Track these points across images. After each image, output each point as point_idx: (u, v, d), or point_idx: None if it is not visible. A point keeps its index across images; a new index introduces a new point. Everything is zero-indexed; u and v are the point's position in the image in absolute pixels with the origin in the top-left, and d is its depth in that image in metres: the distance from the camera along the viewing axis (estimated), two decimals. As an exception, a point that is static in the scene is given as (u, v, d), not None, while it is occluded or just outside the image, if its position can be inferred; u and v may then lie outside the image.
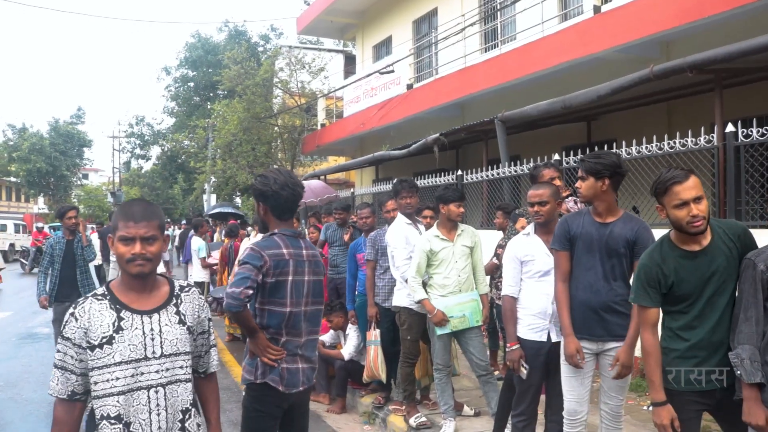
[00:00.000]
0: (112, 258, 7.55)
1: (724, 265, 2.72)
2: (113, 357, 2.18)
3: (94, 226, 17.66)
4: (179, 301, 2.35)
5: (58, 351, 2.22)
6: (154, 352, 2.24)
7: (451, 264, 4.81)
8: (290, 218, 3.27)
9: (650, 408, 3.14)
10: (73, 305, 2.24)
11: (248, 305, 3.05)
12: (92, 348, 2.18)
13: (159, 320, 2.27)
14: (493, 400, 4.74)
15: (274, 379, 3.09)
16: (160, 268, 3.11)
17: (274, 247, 3.08)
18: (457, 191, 4.90)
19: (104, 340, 2.18)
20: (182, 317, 2.33)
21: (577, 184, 3.55)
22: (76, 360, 2.20)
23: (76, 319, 2.20)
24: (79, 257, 6.84)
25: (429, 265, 4.84)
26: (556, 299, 3.58)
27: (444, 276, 4.80)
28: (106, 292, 2.28)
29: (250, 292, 2.97)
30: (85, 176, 60.58)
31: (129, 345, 2.20)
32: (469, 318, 4.78)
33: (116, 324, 2.21)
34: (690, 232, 2.69)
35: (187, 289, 2.41)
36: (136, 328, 2.23)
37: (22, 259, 24.79)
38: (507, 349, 4.01)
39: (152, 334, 2.25)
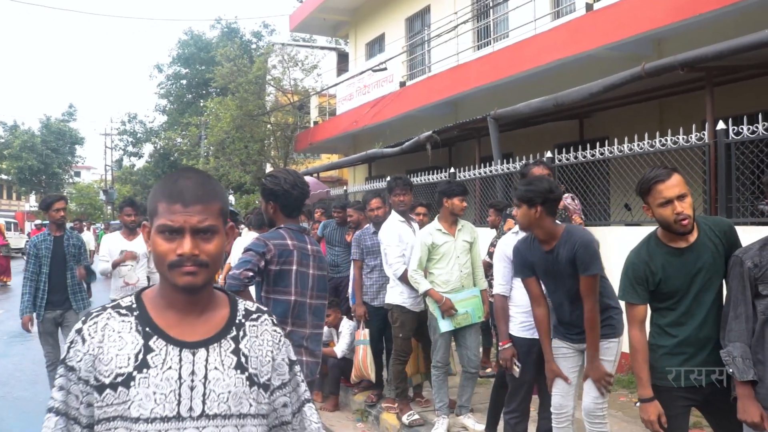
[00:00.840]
0: (101, 257, 6.07)
1: (710, 262, 2.74)
2: (129, 408, 1.38)
3: (74, 223, 17.33)
4: (241, 333, 1.50)
5: (58, 387, 1.44)
6: (191, 409, 1.40)
7: (453, 259, 4.82)
8: (298, 216, 3.46)
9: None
10: (83, 319, 1.48)
11: (248, 286, 3.21)
12: (101, 388, 1.39)
13: (206, 359, 1.44)
14: (466, 394, 4.87)
15: None
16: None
17: (278, 238, 3.27)
18: (461, 185, 4.91)
19: (119, 379, 1.39)
20: (242, 359, 1.48)
21: (514, 212, 3.63)
22: (82, 403, 1.42)
23: (84, 340, 1.43)
24: (69, 257, 5.77)
25: (429, 259, 4.85)
26: (536, 325, 3.63)
27: (447, 271, 4.81)
28: (134, 305, 1.48)
29: (250, 273, 3.14)
30: (77, 174, 60.39)
31: (155, 393, 1.39)
32: (472, 314, 4.83)
33: (140, 356, 1.41)
34: (678, 231, 2.72)
35: (255, 316, 1.55)
36: (169, 368, 1.41)
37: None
38: (499, 348, 4.03)
39: (192, 381, 1.42)
